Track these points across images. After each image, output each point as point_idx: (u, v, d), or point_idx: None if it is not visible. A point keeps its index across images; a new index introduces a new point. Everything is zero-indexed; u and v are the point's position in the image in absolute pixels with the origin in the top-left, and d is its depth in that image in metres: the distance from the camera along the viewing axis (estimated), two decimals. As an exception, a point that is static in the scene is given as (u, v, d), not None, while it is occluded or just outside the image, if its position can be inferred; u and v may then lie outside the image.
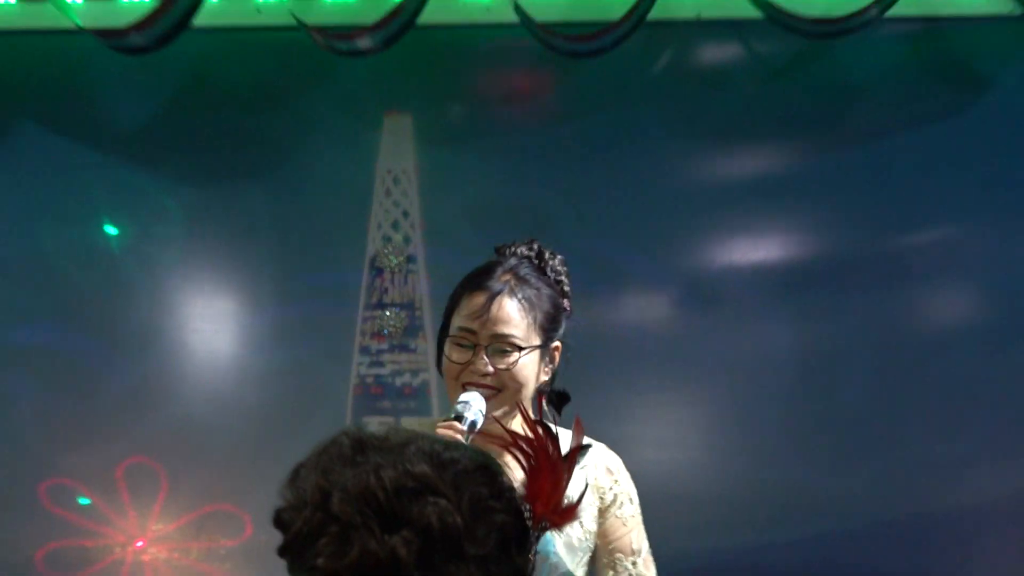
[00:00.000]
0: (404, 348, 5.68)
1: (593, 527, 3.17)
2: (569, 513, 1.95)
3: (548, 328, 3.13)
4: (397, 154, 5.73)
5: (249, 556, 5.66)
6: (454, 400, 3.08)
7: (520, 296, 3.08)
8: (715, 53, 5.79)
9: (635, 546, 3.20)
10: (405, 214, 5.72)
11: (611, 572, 3.19)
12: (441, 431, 2.90)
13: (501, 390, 3.06)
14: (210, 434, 5.63)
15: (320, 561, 1.75)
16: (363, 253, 5.71)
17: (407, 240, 5.70)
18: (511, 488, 1.84)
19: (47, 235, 5.71)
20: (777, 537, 5.51)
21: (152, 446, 5.64)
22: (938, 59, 5.68)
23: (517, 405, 3.07)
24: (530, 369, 3.10)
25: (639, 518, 3.22)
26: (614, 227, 5.72)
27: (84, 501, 5.60)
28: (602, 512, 3.17)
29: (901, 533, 5.54)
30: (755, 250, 5.74)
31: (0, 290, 5.71)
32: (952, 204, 5.67)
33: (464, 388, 3.07)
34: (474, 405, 3.00)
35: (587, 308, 5.18)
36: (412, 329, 5.70)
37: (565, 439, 2.61)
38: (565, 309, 3.20)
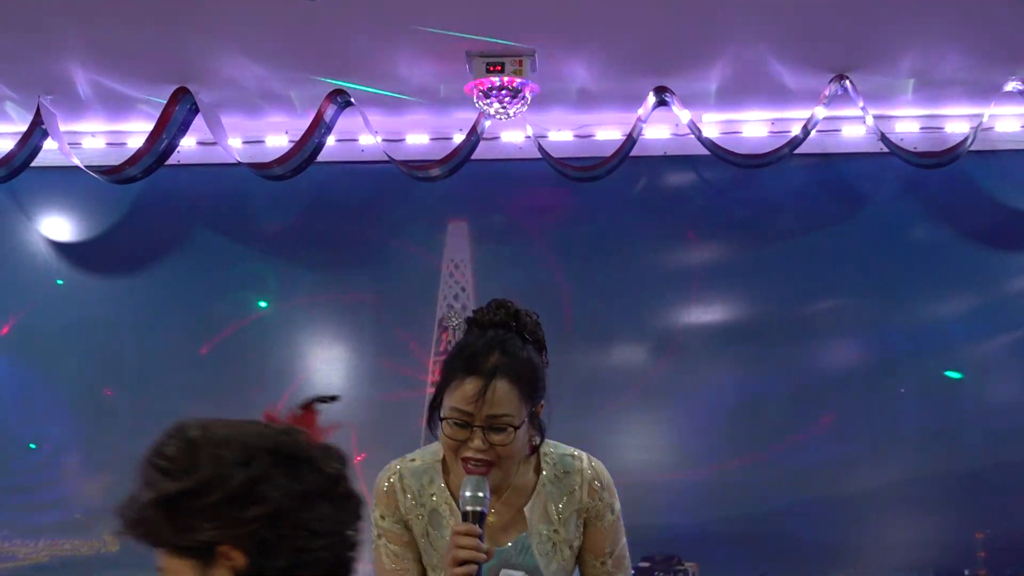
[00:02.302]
0: (461, 384, 6.59)
1: (580, 540, 2.98)
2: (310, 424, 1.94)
3: (534, 395, 2.87)
4: (457, 248, 6.56)
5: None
6: (454, 467, 2.87)
7: (509, 376, 2.80)
8: (676, 178, 6.60)
9: (608, 549, 2.99)
10: (463, 289, 6.53)
11: (582, 566, 3.01)
12: (464, 539, 2.70)
13: (497, 463, 2.83)
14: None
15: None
16: (434, 316, 6.54)
17: (464, 307, 6.48)
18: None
19: (217, 306, 6.60)
20: (721, 514, 6.31)
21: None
22: (830, 183, 6.52)
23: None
24: (522, 440, 2.86)
25: (618, 524, 3.01)
26: (608, 298, 6.42)
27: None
28: (586, 524, 2.98)
29: (810, 510, 6.31)
30: (705, 315, 6.54)
31: (182, 343, 6.55)
32: (841, 283, 6.49)
33: (464, 462, 2.82)
34: (483, 496, 2.77)
35: (588, 354, 6.17)
36: (467, 370, 6.64)
37: (555, 457, 2.97)
38: (545, 365, 2.94)
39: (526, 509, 2.92)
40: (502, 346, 2.83)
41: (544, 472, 2.96)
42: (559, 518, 2.93)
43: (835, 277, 6.54)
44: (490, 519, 2.85)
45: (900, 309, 6.48)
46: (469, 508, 2.75)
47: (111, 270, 6.69)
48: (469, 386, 2.79)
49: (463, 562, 2.69)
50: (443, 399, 2.84)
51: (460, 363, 2.83)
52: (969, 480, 6.34)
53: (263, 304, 6.66)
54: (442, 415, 2.83)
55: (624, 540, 3.02)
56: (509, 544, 2.92)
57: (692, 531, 6.25)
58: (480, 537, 2.70)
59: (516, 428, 2.80)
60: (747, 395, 6.48)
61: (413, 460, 3.02)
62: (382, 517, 2.95)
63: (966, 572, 6.35)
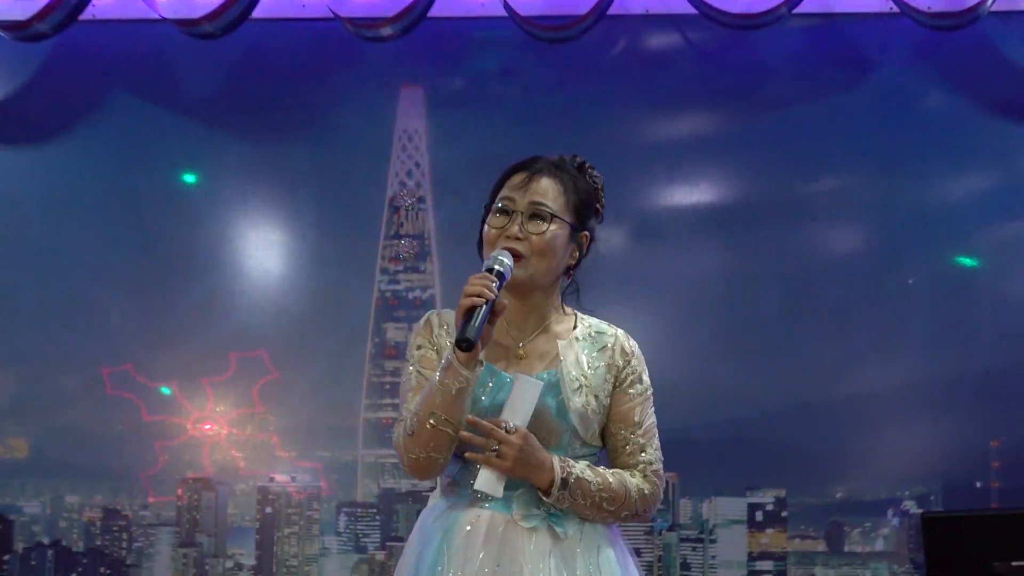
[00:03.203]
0: (415, 269, 6.37)
1: (607, 402, 3.13)
2: None
3: (580, 212, 3.14)
4: (411, 118, 6.44)
5: (289, 430, 6.33)
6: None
7: (556, 177, 3.11)
8: (659, 40, 6.47)
9: (637, 419, 3.14)
10: (417, 165, 6.42)
11: (611, 440, 3.15)
12: (477, 280, 2.94)
13: (528, 256, 3.06)
14: (261, 339, 6.31)
15: None
16: (383, 195, 6.43)
17: (418, 185, 6.41)
18: None
19: (137, 180, 6.39)
20: (705, 419, 6.16)
21: (215, 347, 6.31)
22: (833, 46, 6.38)
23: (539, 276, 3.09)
24: (558, 242, 3.08)
25: (646, 396, 3.18)
26: (581, 176, 6.43)
27: (166, 391, 6.29)
28: (615, 388, 3.15)
29: (805, 415, 6.25)
30: (691, 195, 6.44)
31: (98, 223, 6.35)
32: (842, 160, 6.37)
33: None
34: (506, 261, 3.01)
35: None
36: (422, 254, 6.39)
37: (591, 322, 3.20)
38: (597, 208, 3.21)
39: (560, 344, 3.11)
40: (554, 161, 3.15)
41: (579, 329, 3.20)
42: (590, 367, 3.13)
43: (837, 152, 6.39)
44: (520, 352, 3.11)
45: (909, 189, 6.34)
46: (488, 265, 2.97)
47: (16, 139, 6.50)
48: (517, 177, 3.09)
49: (473, 295, 2.91)
50: (492, 203, 3.12)
51: (513, 166, 3.15)
52: (984, 382, 6.21)
53: (190, 179, 6.50)
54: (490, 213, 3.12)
55: (654, 419, 3.21)
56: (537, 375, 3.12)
57: (672, 437, 5.53)
58: (498, 289, 2.92)
59: (554, 218, 3.06)
60: (736, 286, 6.33)
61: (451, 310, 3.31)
62: (418, 347, 3.16)
63: (978, 484, 6.23)
